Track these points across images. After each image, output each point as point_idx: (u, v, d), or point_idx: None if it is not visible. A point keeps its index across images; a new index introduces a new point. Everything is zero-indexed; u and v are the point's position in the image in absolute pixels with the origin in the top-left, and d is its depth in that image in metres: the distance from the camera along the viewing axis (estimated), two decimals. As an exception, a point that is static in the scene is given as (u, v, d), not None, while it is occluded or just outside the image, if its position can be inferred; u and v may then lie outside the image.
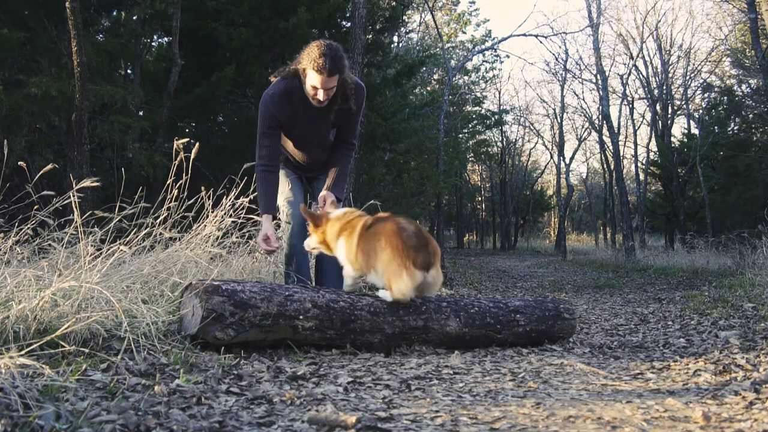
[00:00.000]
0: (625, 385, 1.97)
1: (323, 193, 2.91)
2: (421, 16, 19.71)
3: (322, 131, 2.99)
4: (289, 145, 3.05)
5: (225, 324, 2.15)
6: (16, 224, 2.43)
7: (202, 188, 3.19)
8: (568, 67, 19.58)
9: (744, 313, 3.86)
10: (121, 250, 2.38)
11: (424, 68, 15.88)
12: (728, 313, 3.93)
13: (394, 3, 11.17)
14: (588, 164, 31.35)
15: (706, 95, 18.47)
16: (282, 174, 3.07)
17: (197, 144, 2.98)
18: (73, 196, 2.32)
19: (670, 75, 18.83)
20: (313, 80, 2.67)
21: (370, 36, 10.05)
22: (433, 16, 17.36)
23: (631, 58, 18.88)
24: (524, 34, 15.74)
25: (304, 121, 2.89)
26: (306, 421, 1.42)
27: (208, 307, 2.14)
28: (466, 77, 22.17)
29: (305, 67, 2.68)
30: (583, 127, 24.10)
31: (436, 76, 20.63)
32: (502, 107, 24.28)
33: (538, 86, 34.38)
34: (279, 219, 3.04)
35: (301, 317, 2.32)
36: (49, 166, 2.36)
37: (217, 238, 3.28)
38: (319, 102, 2.74)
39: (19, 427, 1.21)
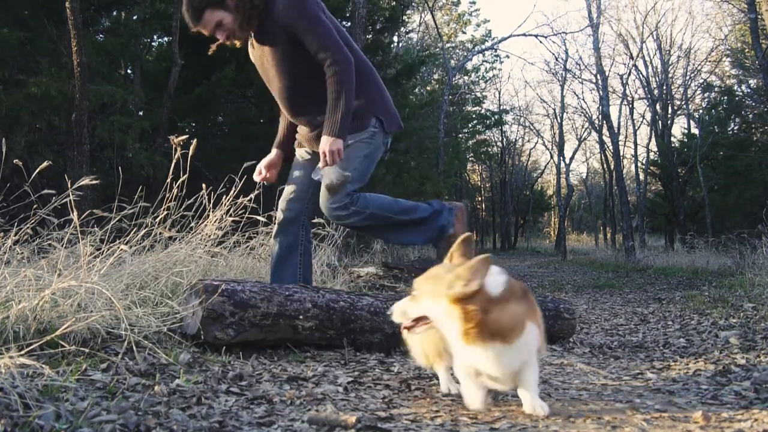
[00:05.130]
0: (625, 385, 1.96)
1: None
2: (421, 16, 19.69)
3: (275, 69, 2.53)
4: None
5: (225, 324, 2.15)
6: (16, 224, 2.42)
7: (203, 185, 3.18)
8: (568, 67, 19.61)
9: (744, 313, 3.86)
10: (121, 250, 2.37)
11: (424, 68, 15.89)
12: (728, 313, 3.92)
13: (394, 3, 11.17)
14: (588, 164, 31.38)
15: (706, 95, 18.48)
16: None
17: (195, 141, 2.97)
18: (71, 194, 2.32)
19: (670, 75, 18.84)
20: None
21: (370, 36, 10.05)
22: (433, 16, 17.37)
23: (631, 58, 18.89)
24: (524, 34, 15.76)
25: (258, 68, 2.65)
26: (306, 421, 1.42)
27: (208, 307, 2.14)
28: (466, 77, 22.17)
29: None
30: (583, 127, 24.13)
31: (436, 76, 20.64)
32: (502, 107, 24.31)
33: (538, 86, 34.39)
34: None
35: (301, 317, 2.32)
36: (45, 164, 2.35)
37: (217, 238, 3.28)
38: (229, 43, 2.49)
39: (19, 426, 1.21)
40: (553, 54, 32.80)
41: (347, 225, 2.69)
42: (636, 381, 2.04)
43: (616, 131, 15.18)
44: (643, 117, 21.71)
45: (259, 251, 3.70)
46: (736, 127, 17.01)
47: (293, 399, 1.62)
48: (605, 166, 20.97)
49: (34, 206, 2.38)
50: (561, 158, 20.64)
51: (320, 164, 2.52)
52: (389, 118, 2.64)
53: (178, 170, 2.92)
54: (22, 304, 1.84)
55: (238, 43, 2.52)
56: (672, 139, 18.83)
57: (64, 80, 5.97)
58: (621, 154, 16.30)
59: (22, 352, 1.54)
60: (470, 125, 21.69)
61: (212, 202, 3.19)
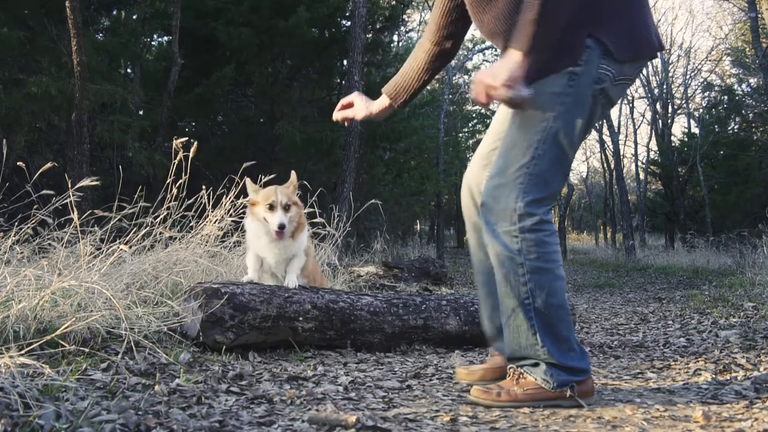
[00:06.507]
0: (626, 385, 1.96)
1: None
2: (421, 15, 19.67)
3: None
4: None
5: (225, 327, 2.15)
6: (16, 224, 2.42)
7: (203, 185, 3.18)
8: (568, 66, 19.54)
9: (744, 312, 3.86)
10: (121, 250, 2.37)
11: (424, 67, 15.81)
12: (728, 312, 3.92)
13: (394, 2, 11.17)
14: (588, 163, 31.34)
15: (706, 94, 18.51)
16: None
17: (196, 143, 2.98)
18: (71, 195, 2.32)
19: (670, 74, 18.85)
20: None
21: (370, 35, 10.04)
22: (433, 16, 17.32)
23: (632, 57, 18.84)
24: (524, 33, 15.65)
25: None
26: (306, 421, 1.42)
27: (207, 310, 2.13)
28: (466, 76, 22.15)
29: None
30: (583, 126, 24.06)
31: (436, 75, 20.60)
32: (502, 106, 24.23)
33: (538, 85, 34.24)
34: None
35: (300, 319, 2.31)
36: (48, 165, 2.35)
37: (217, 237, 3.28)
38: None
39: (20, 426, 1.21)
40: (554, 53, 32.65)
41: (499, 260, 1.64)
42: (636, 380, 2.04)
43: (616, 130, 15.17)
44: (644, 116, 21.76)
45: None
46: (736, 126, 17.01)
47: (293, 398, 1.62)
48: (605, 165, 20.95)
49: (35, 206, 2.38)
50: (561, 157, 20.60)
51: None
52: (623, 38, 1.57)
53: (178, 170, 2.92)
54: (22, 303, 1.84)
55: None
56: (672, 138, 18.84)
57: (64, 79, 5.96)
58: (621, 153, 16.30)
59: (22, 352, 1.54)
60: (470, 125, 21.67)
61: (212, 201, 3.19)
